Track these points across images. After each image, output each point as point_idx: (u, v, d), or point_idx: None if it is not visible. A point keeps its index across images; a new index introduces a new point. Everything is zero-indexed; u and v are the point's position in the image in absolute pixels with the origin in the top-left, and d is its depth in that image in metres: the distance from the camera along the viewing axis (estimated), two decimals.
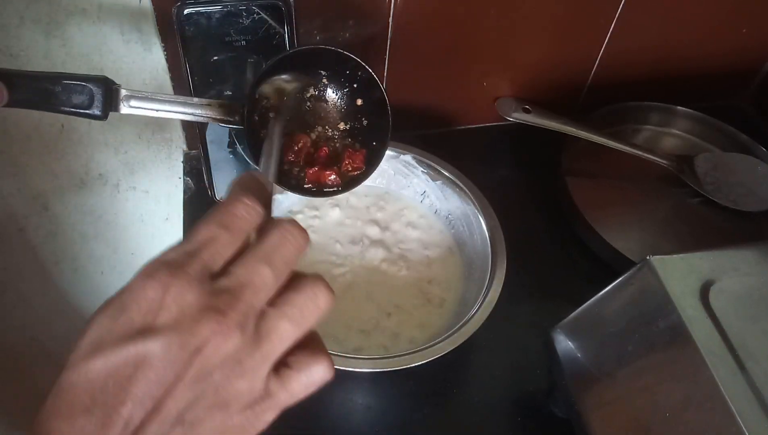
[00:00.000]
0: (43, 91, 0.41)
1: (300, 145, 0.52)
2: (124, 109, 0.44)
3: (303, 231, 0.28)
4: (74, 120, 0.65)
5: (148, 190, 0.77)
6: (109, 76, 0.43)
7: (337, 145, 0.54)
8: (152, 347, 0.24)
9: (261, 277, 0.26)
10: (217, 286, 0.26)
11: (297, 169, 0.52)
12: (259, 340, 0.26)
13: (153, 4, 0.57)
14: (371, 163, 0.53)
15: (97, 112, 0.42)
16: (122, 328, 0.24)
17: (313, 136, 0.53)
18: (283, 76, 0.49)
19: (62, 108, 0.42)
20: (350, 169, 0.53)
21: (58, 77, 0.41)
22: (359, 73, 0.50)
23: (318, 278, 0.28)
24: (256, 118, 0.49)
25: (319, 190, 0.52)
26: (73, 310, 0.89)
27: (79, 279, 0.85)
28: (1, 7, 0.54)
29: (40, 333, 0.91)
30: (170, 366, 0.24)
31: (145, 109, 0.45)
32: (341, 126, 0.53)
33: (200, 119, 0.48)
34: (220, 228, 0.27)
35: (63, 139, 0.67)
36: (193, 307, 0.25)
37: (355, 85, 0.51)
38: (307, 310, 0.28)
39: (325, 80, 0.51)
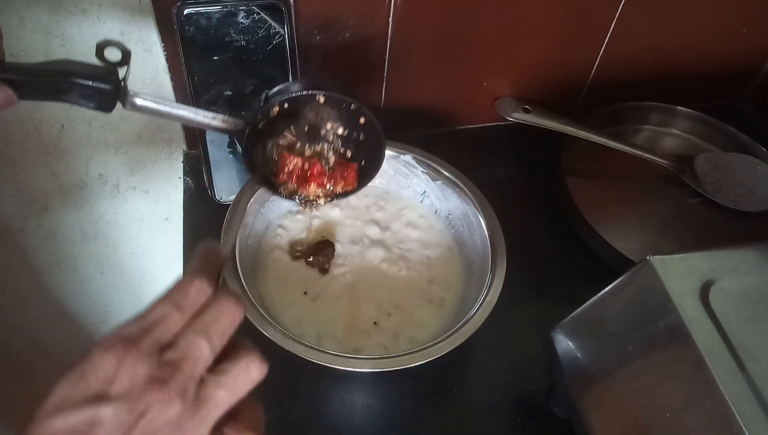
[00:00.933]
0: (51, 87, 0.41)
1: (291, 166, 0.55)
2: (128, 107, 0.45)
3: (238, 305, 0.33)
4: (74, 120, 0.66)
5: (148, 190, 0.77)
6: (124, 71, 0.44)
7: (330, 159, 0.56)
8: (105, 412, 0.28)
9: (199, 350, 0.31)
10: (164, 359, 0.30)
11: (289, 184, 0.55)
12: (198, 406, 0.30)
13: (153, 4, 0.57)
14: (363, 180, 0.56)
15: (103, 108, 0.43)
16: (81, 393, 0.29)
17: (307, 153, 0.55)
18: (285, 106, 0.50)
19: (69, 102, 0.42)
20: (343, 185, 0.56)
21: (66, 74, 0.41)
22: (351, 107, 0.51)
23: (252, 350, 0.33)
24: (256, 146, 0.51)
25: (310, 201, 0.56)
26: (73, 310, 0.90)
27: (79, 279, 0.85)
28: (1, 7, 0.54)
29: (39, 333, 0.91)
30: (119, 428, 0.28)
31: (148, 109, 0.46)
32: (337, 134, 0.54)
33: (200, 126, 0.49)
34: (173, 307, 0.32)
35: (63, 139, 0.67)
36: (142, 378, 0.29)
37: (350, 116, 0.53)
38: (241, 380, 0.32)
39: (321, 103, 0.52)
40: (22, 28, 0.56)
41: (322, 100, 0.50)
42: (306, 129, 0.52)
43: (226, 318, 0.33)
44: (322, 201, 0.56)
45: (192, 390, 0.30)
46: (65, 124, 0.66)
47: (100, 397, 0.29)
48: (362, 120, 0.52)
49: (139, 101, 0.45)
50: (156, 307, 0.32)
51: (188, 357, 0.31)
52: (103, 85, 0.42)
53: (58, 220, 0.76)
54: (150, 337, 0.31)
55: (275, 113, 0.49)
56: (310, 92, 0.49)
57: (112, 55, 0.44)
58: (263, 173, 0.54)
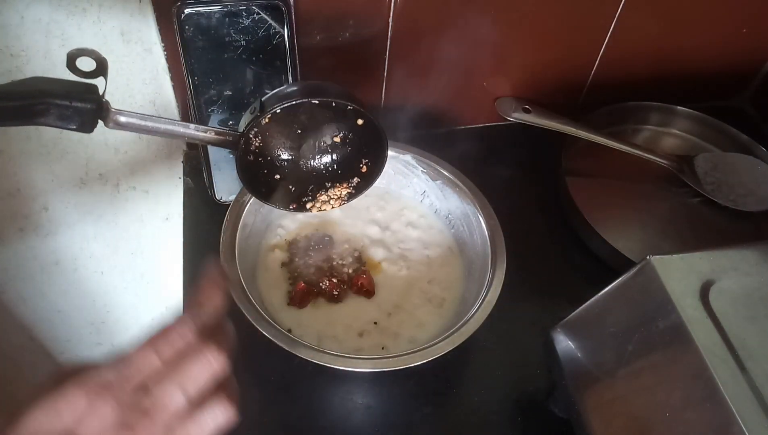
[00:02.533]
0: (24, 111, 0.37)
1: (298, 289, 0.57)
2: (111, 125, 0.42)
3: (218, 357, 0.34)
4: None
5: (148, 190, 0.77)
6: (102, 85, 0.40)
7: (345, 273, 0.59)
8: None
9: (172, 400, 0.32)
10: (137, 405, 0.32)
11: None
12: None
13: (153, 4, 0.57)
14: (367, 181, 0.55)
15: (83, 129, 0.40)
16: (52, 428, 0.31)
17: (325, 284, 0.58)
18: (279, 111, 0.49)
19: (46, 124, 0.38)
20: (359, 286, 0.58)
21: (40, 94, 0.37)
22: (348, 108, 0.50)
23: (224, 400, 0.34)
24: (250, 157, 0.50)
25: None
26: (73, 310, 0.90)
27: (79, 279, 0.85)
28: (1, 7, 0.54)
29: (39, 333, 0.91)
30: None
31: (133, 126, 0.43)
32: (336, 138, 0.53)
33: (192, 140, 0.48)
34: (154, 353, 0.33)
35: (63, 139, 0.67)
36: (111, 423, 0.31)
37: (348, 118, 0.52)
38: (208, 429, 0.34)
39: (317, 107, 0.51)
40: (22, 28, 0.56)
41: (317, 104, 0.48)
42: (299, 132, 0.51)
43: (205, 369, 0.34)
44: (325, 207, 0.56)
45: None
46: None
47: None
48: (360, 121, 0.51)
49: (123, 119, 0.42)
50: (138, 352, 0.33)
51: (160, 405, 0.32)
52: (82, 104, 0.38)
53: (58, 220, 0.76)
54: (126, 383, 0.32)
55: (267, 120, 0.48)
56: (304, 100, 0.48)
57: (86, 65, 0.40)
58: (257, 183, 0.52)
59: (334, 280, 0.58)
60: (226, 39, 0.57)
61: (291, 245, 0.61)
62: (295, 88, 0.49)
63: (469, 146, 0.79)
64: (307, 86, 0.50)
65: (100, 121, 0.41)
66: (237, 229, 0.56)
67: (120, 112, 0.42)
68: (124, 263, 0.86)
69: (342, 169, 0.54)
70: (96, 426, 0.31)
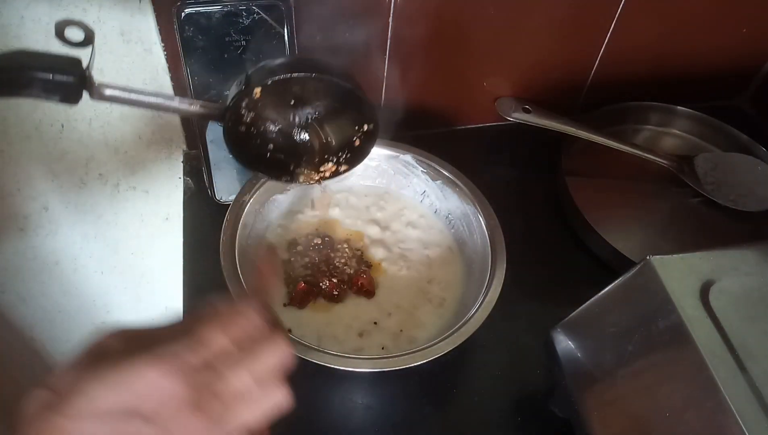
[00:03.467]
0: (8, 83, 0.38)
1: (298, 289, 0.57)
2: (96, 98, 0.42)
3: (290, 347, 0.34)
4: (74, 120, 0.65)
5: (148, 190, 0.77)
6: (98, 72, 0.41)
7: (345, 273, 0.59)
8: (145, 431, 0.29)
9: (244, 386, 0.32)
10: (208, 386, 0.31)
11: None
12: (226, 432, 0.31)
13: (153, 4, 0.57)
14: (358, 155, 0.55)
15: (68, 100, 0.40)
16: (118, 402, 0.29)
17: (325, 284, 0.58)
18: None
19: (31, 97, 0.39)
20: (362, 285, 0.58)
21: (23, 68, 0.37)
22: (337, 82, 0.50)
23: (282, 385, 0.34)
24: (242, 128, 0.50)
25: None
26: (73, 310, 0.89)
27: (79, 279, 0.85)
28: (1, 7, 0.54)
29: (40, 333, 0.91)
30: None
31: (118, 99, 0.43)
32: (328, 111, 0.52)
33: (177, 113, 0.47)
34: (223, 334, 0.32)
35: (63, 139, 0.67)
36: (181, 402, 0.30)
37: (337, 92, 0.51)
38: (269, 410, 0.33)
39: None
40: (22, 28, 0.56)
41: (306, 77, 0.47)
42: (292, 103, 0.50)
43: (274, 355, 0.33)
44: (315, 178, 0.55)
45: (226, 421, 0.31)
46: (65, 124, 0.66)
47: (134, 412, 0.29)
48: (350, 96, 0.50)
49: (107, 91, 0.42)
50: (209, 332, 0.32)
51: (232, 390, 0.31)
52: (65, 77, 0.38)
53: (58, 220, 0.76)
54: (197, 360, 0.31)
55: (257, 95, 0.47)
56: (292, 75, 0.47)
57: (75, 36, 0.40)
58: (249, 154, 0.52)
59: (334, 280, 0.58)
60: (226, 39, 0.57)
61: (291, 245, 0.61)
62: (282, 61, 0.48)
63: (469, 146, 0.79)
64: (296, 60, 0.49)
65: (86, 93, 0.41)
66: (237, 229, 0.56)
67: (104, 85, 0.42)
68: (124, 263, 0.86)
69: (335, 141, 0.53)
70: (165, 404, 0.29)
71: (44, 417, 0.28)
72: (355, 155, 0.55)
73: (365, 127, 0.53)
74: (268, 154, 0.52)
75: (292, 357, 0.34)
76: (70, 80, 0.39)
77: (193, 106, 0.46)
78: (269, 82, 0.47)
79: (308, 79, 0.48)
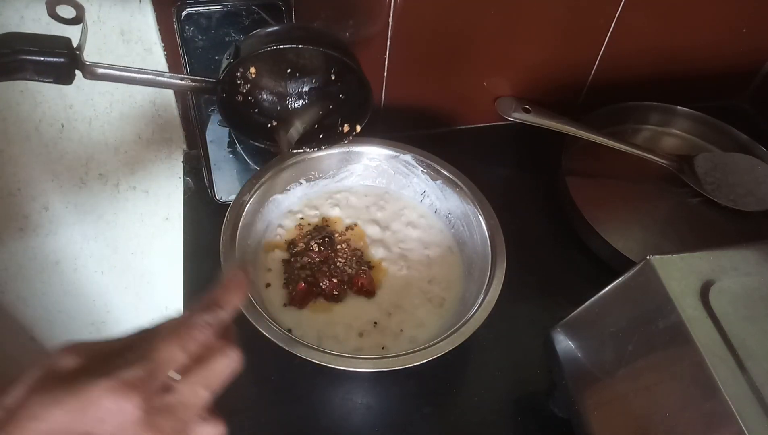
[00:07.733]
0: (1, 67, 0.38)
1: (298, 289, 0.57)
2: (88, 76, 0.42)
3: (239, 356, 0.35)
4: (74, 120, 0.65)
5: (148, 190, 0.77)
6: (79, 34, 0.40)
7: (345, 273, 0.59)
8: None
9: (199, 399, 0.33)
10: (163, 403, 0.32)
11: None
12: None
13: (153, 4, 0.57)
14: (352, 123, 0.54)
15: (61, 81, 0.40)
16: (76, 426, 0.30)
17: (325, 284, 0.57)
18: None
19: (24, 79, 0.39)
20: (359, 287, 0.58)
21: (14, 52, 0.38)
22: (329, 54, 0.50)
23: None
24: (239, 97, 0.49)
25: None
26: (73, 310, 0.90)
27: (79, 279, 0.85)
28: (1, 6, 0.54)
29: (40, 333, 0.91)
30: None
31: (110, 76, 0.44)
32: (323, 80, 0.52)
33: (170, 88, 0.47)
34: (180, 350, 0.33)
35: (63, 139, 0.67)
36: (135, 422, 0.30)
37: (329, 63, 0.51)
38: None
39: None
40: (22, 28, 0.56)
41: (297, 48, 0.48)
42: (289, 71, 0.50)
43: (228, 367, 0.34)
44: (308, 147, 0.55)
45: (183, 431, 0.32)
46: (65, 124, 0.66)
47: None
48: (342, 68, 0.50)
49: (99, 70, 0.43)
50: (163, 347, 0.33)
51: (187, 404, 0.32)
52: (55, 58, 0.39)
53: (58, 220, 0.76)
54: (153, 380, 0.31)
55: (252, 74, 0.47)
56: (282, 46, 0.47)
57: (66, 12, 0.40)
58: (246, 124, 0.52)
59: (334, 280, 0.58)
60: (226, 39, 0.57)
61: (291, 245, 0.61)
62: (271, 30, 0.48)
63: (469, 146, 0.79)
64: (285, 29, 0.49)
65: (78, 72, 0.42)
66: (237, 229, 0.56)
67: (96, 65, 0.42)
68: (124, 263, 0.86)
69: (330, 111, 0.54)
70: (122, 428, 0.30)
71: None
72: (350, 126, 0.54)
73: (358, 101, 0.53)
74: (267, 125, 0.52)
75: (240, 365, 0.35)
76: (61, 61, 0.39)
77: (184, 81, 0.47)
78: (258, 53, 0.47)
79: (298, 50, 0.48)
